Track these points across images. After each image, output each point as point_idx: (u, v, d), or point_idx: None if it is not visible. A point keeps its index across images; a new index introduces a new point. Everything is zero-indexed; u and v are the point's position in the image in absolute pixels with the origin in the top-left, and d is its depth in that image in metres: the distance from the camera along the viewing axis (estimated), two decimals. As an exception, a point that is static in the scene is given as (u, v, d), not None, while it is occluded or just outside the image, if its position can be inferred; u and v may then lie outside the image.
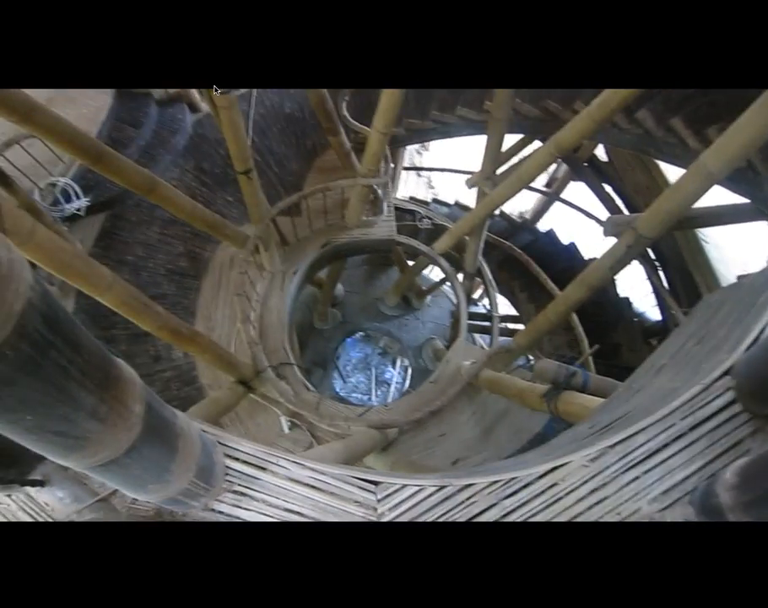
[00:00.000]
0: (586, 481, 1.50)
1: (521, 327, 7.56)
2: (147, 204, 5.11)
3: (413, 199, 9.48)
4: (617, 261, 3.55)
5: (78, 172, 4.80)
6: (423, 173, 13.83)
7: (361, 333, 8.74)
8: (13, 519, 1.34)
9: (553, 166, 9.72)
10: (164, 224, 5.47)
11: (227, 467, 1.46)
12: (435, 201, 10.23)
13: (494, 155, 5.04)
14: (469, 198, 7.16)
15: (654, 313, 8.02)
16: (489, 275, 6.43)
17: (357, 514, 1.46)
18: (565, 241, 8.66)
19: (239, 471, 1.47)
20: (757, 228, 4.39)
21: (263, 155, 6.00)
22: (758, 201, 3.65)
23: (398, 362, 8.40)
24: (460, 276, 6.25)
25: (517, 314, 8.68)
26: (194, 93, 6.06)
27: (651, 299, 7.76)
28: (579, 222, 9.08)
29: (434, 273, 10.19)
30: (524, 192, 5.61)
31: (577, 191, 9.22)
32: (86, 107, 5.45)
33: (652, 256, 7.30)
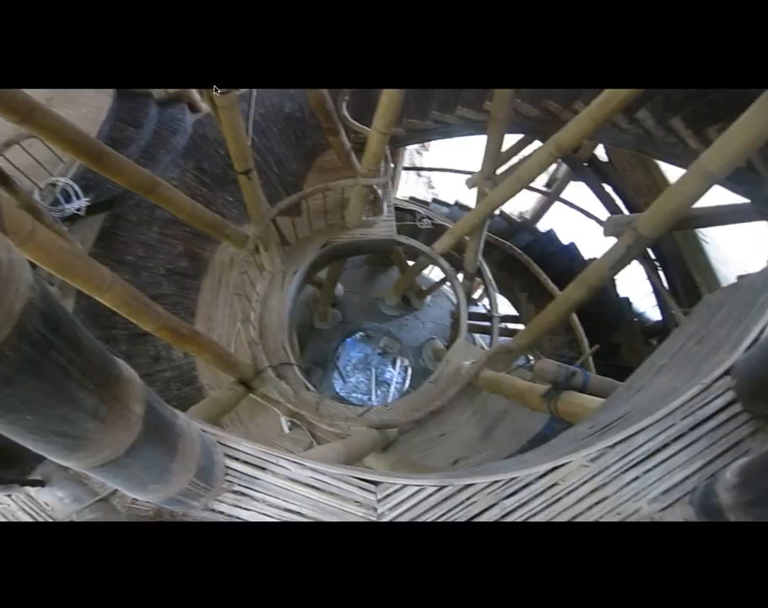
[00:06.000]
0: (586, 481, 1.50)
1: (521, 327, 7.56)
2: (147, 204, 5.11)
3: (413, 199, 9.46)
4: (617, 261, 3.55)
5: (78, 172, 4.80)
6: (423, 173, 13.85)
7: (361, 333, 8.73)
8: (13, 519, 1.34)
9: (553, 166, 9.72)
10: (164, 224, 5.47)
11: (227, 467, 1.46)
12: (435, 201, 10.22)
13: (494, 155, 5.04)
14: (469, 198, 7.16)
15: (654, 313, 8.01)
16: (489, 275, 6.43)
17: (357, 514, 1.46)
18: (565, 241, 8.66)
19: (239, 471, 1.47)
20: (757, 228, 4.39)
21: (263, 155, 5.99)
22: (758, 201, 3.65)
23: (398, 362, 8.39)
24: (460, 276, 6.24)
25: (517, 314, 8.68)
26: (194, 93, 6.06)
27: (651, 299, 7.76)
28: (579, 222, 9.08)
29: (434, 273, 10.18)
30: (524, 192, 5.61)
31: (577, 191, 9.22)
32: (86, 107, 5.45)
33: (652, 256, 7.30)
